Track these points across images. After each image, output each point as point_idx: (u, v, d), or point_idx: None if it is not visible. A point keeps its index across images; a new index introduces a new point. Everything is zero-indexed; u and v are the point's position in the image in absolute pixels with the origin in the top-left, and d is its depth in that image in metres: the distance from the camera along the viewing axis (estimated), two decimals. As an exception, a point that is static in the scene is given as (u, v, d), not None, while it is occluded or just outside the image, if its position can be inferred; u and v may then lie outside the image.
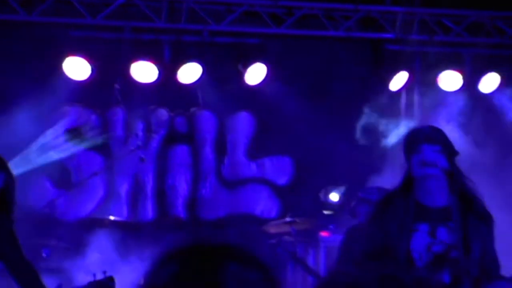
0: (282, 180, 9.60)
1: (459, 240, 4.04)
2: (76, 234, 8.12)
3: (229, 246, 1.64)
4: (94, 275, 5.66)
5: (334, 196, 8.89)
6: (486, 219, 4.17)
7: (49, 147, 8.74)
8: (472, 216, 4.10)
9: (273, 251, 7.64)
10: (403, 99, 9.24)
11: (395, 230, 4.10)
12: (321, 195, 8.97)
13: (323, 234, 8.63)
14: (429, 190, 4.17)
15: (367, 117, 9.00)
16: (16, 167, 8.34)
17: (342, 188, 8.88)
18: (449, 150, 4.14)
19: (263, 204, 9.54)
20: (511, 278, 3.93)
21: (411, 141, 4.21)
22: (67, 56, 8.53)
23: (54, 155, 8.77)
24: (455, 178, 4.11)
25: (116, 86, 8.87)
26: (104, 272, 5.82)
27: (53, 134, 8.77)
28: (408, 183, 4.21)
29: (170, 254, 1.62)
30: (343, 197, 8.77)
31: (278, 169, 9.62)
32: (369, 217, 4.39)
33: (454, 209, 4.09)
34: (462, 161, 4.23)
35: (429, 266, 4.05)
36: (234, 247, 1.64)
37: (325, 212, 8.86)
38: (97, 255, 7.63)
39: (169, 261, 1.61)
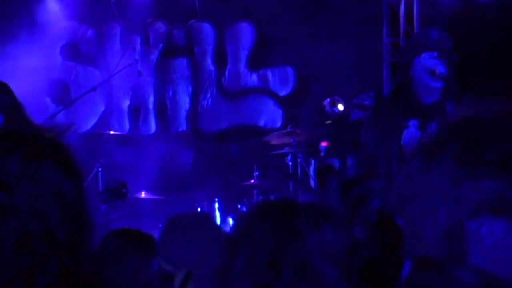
0: (284, 90, 9.53)
1: None
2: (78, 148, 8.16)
3: None
4: None
5: (340, 107, 8.84)
6: None
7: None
8: None
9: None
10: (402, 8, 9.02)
11: (387, 129, 4.14)
12: (327, 105, 8.89)
13: (323, 144, 8.66)
14: (426, 90, 4.21)
15: None
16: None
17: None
18: (448, 55, 4.14)
19: (266, 115, 9.51)
20: None
21: (417, 43, 4.25)
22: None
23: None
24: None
25: (112, 0, 8.81)
26: (117, 181, 5.87)
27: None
28: (406, 82, 4.24)
29: None
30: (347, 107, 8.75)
31: (280, 80, 9.54)
32: (364, 122, 4.42)
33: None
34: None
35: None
36: None
37: (326, 122, 8.84)
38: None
39: None
